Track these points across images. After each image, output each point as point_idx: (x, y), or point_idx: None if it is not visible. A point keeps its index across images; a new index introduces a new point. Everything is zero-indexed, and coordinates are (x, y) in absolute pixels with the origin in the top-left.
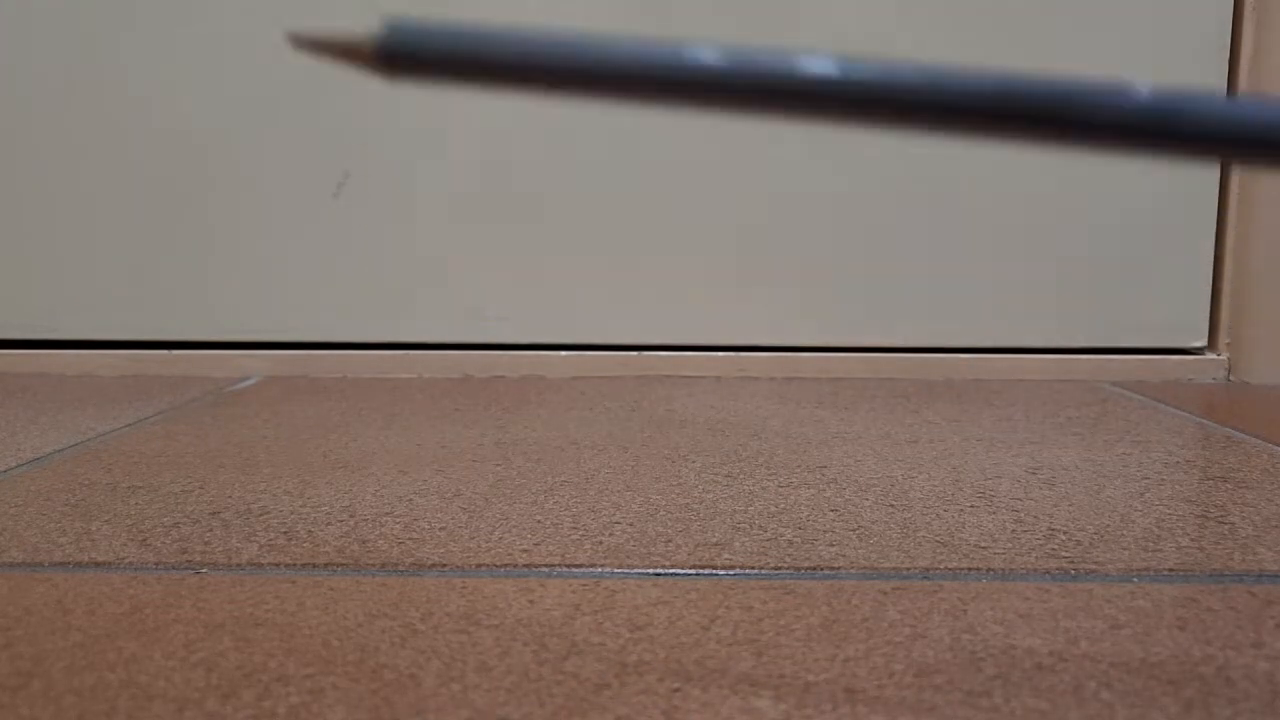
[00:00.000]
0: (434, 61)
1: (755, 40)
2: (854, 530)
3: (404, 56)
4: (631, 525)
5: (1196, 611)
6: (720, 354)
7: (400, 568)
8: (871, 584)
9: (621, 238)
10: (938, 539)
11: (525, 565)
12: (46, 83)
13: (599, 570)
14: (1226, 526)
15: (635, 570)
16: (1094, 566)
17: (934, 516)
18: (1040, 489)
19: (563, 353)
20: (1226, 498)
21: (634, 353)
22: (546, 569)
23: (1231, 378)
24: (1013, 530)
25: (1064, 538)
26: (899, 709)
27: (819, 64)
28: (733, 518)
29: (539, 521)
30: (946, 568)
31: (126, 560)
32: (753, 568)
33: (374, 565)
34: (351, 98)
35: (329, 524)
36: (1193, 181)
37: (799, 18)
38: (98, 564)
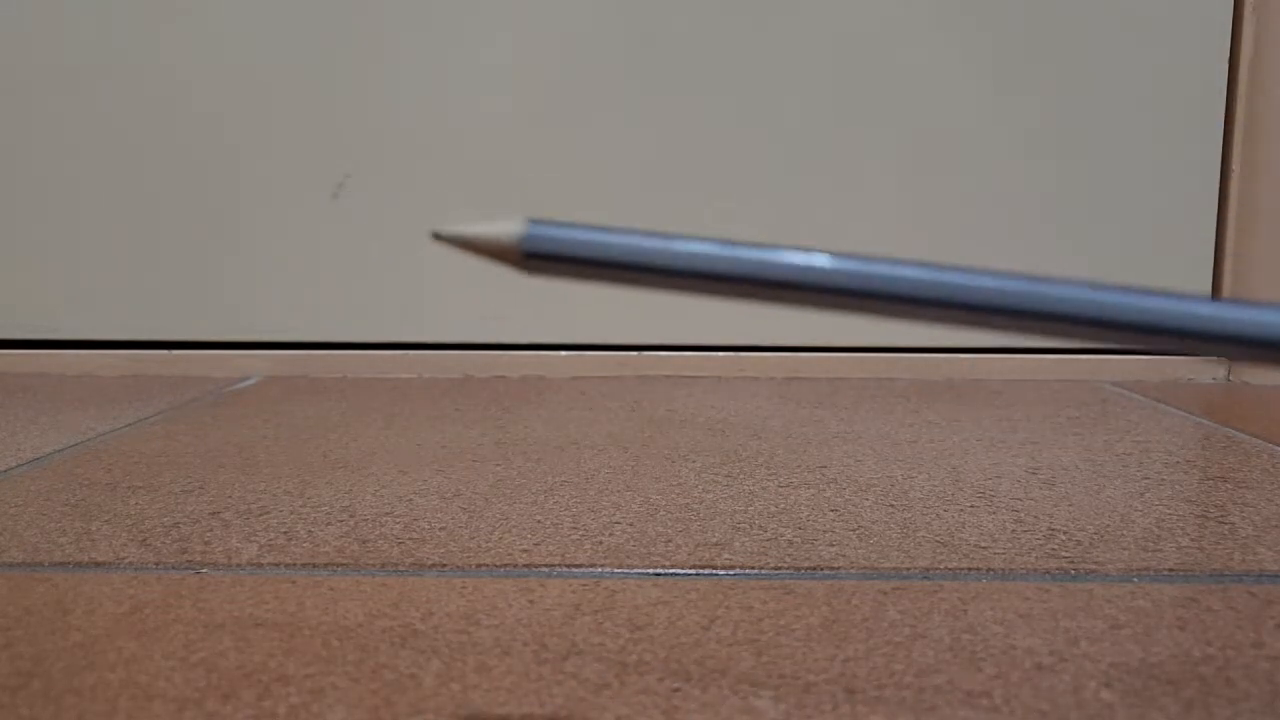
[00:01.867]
0: (569, 260)
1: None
2: (854, 530)
3: (543, 255)
4: (631, 525)
5: (1197, 611)
6: (720, 354)
7: (400, 568)
8: (871, 584)
9: None
10: (938, 539)
11: (525, 565)
12: (46, 84)
13: (599, 570)
14: (1226, 526)
15: (635, 570)
16: (1094, 566)
17: (934, 516)
18: (1040, 489)
19: (563, 353)
20: (1226, 498)
21: (634, 353)
22: (546, 569)
23: (1231, 378)
24: (1013, 530)
25: (1064, 538)
26: (899, 709)
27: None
28: (733, 518)
29: (539, 521)
30: (946, 568)
31: (126, 560)
32: (753, 568)
33: (374, 565)
34: (352, 98)
35: (329, 524)
36: (1193, 181)
37: (797, 12)
38: (98, 564)
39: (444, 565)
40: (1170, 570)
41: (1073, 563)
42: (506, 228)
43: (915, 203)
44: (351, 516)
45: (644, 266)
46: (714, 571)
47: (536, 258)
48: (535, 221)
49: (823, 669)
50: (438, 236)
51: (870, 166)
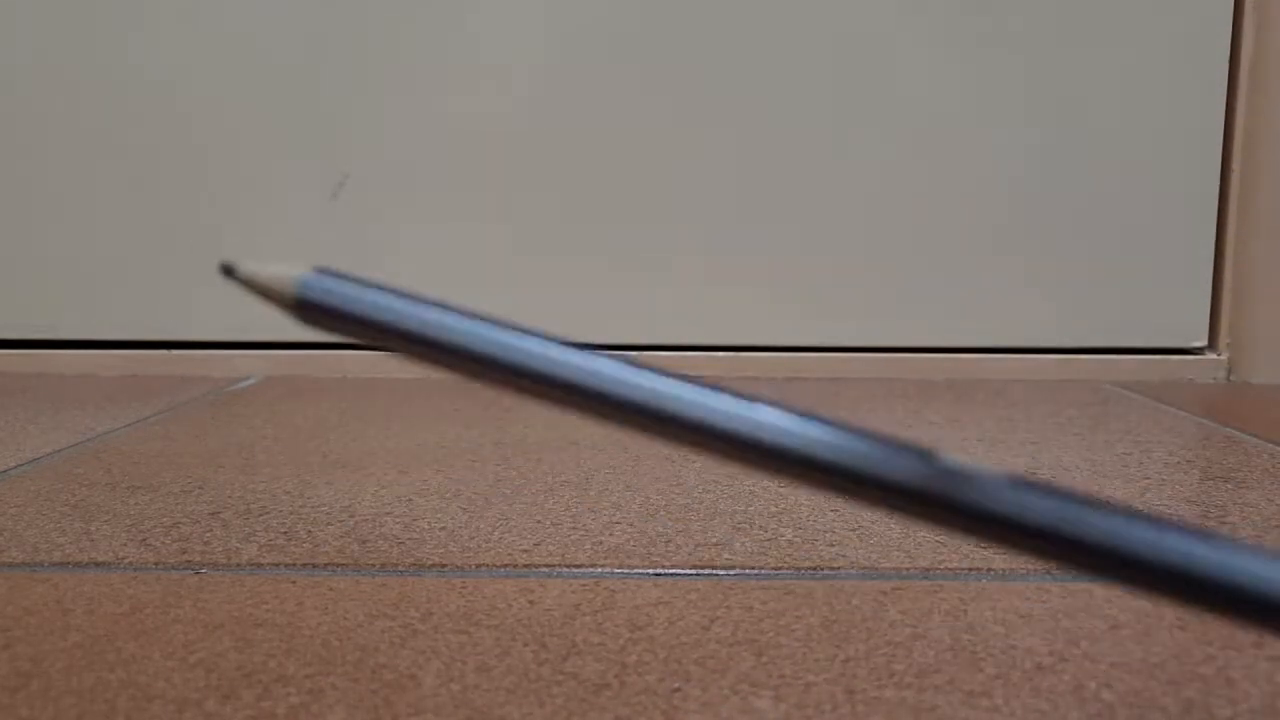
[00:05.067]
0: (345, 320)
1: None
2: (854, 530)
3: (317, 309)
4: (631, 525)
5: (1197, 612)
6: (720, 354)
7: (400, 568)
8: (872, 584)
9: (621, 237)
10: (938, 539)
11: (525, 565)
12: (45, 82)
13: (599, 570)
14: (1227, 527)
15: (635, 570)
16: None
17: None
18: None
19: None
20: (1227, 498)
21: (634, 353)
22: (546, 569)
23: (1231, 378)
24: None
25: None
26: (899, 709)
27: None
28: (733, 518)
29: (539, 521)
30: (947, 568)
31: (126, 560)
32: (753, 568)
33: (374, 565)
34: (351, 98)
35: (329, 524)
36: (1193, 181)
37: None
38: (97, 564)
39: (444, 565)
40: None
41: None
42: (284, 271)
43: (915, 200)
44: (351, 516)
45: (415, 337)
46: (714, 571)
47: (312, 311)
48: (321, 271)
49: (823, 669)
50: (225, 269)
51: (868, 167)
